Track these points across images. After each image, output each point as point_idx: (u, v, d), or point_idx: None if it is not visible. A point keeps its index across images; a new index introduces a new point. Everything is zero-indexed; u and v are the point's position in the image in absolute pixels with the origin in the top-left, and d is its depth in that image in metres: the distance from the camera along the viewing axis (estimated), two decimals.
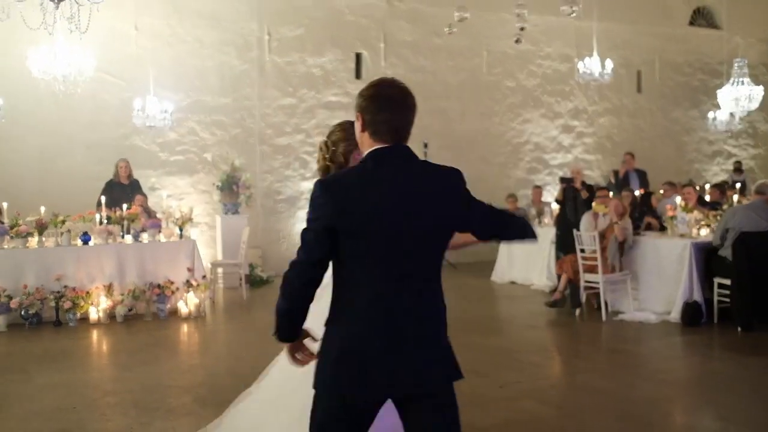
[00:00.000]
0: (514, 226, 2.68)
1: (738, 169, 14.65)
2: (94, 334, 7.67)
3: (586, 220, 8.53)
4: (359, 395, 2.38)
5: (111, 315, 8.18)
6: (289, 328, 2.51)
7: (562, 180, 9.81)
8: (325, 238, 2.37)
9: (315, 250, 2.40)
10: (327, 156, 3.21)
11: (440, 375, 2.42)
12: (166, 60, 10.98)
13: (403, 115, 2.46)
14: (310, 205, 2.42)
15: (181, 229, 8.94)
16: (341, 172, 2.49)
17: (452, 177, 2.49)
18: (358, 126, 2.51)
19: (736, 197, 9.30)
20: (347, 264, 2.40)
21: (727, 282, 7.55)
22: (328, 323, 2.47)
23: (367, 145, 2.48)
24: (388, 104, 2.44)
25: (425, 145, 11.21)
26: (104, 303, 8.14)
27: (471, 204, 2.53)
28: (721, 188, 10.54)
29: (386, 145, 2.44)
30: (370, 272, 2.38)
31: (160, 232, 8.89)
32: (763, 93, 11.44)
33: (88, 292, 8.11)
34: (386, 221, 2.35)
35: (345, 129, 3.18)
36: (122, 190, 9.73)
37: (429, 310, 2.44)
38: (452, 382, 2.45)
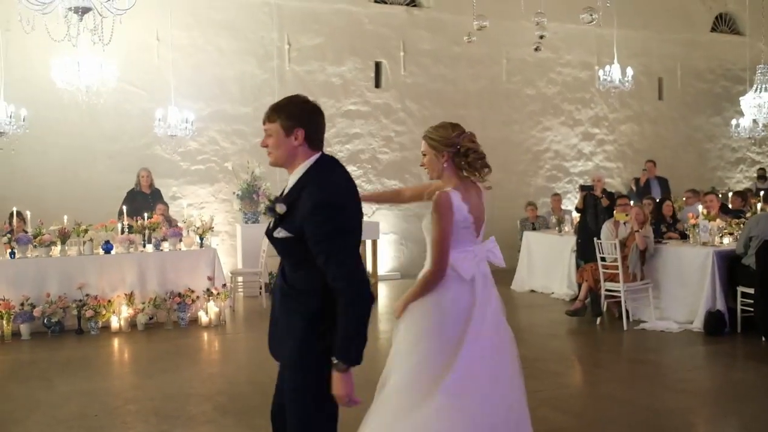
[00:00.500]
0: None
1: (762, 176, 14.49)
2: (116, 343, 7.73)
3: (606, 228, 8.48)
4: None
5: (132, 323, 8.24)
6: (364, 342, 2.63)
7: (582, 188, 9.75)
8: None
9: (358, 255, 2.66)
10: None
11: None
12: (187, 70, 11.08)
13: (325, 126, 2.80)
14: (344, 215, 2.60)
15: (201, 238, 9.00)
16: (334, 180, 2.69)
17: None
18: (294, 140, 2.70)
19: (759, 205, 9.19)
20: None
21: (751, 291, 7.44)
22: (324, 332, 2.63)
23: (302, 155, 2.72)
24: (322, 117, 2.77)
25: None
26: (125, 312, 8.21)
27: None
28: (743, 196, 10.43)
29: (321, 152, 2.76)
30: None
31: (180, 241, 8.95)
32: None
33: (109, 301, 8.18)
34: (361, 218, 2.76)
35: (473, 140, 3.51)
36: (144, 199, 9.84)
37: None
38: None
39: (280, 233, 2.66)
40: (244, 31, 11.54)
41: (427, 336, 3.28)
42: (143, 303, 8.33)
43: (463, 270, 3.33)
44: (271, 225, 2.72)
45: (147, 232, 8.88)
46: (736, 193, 11.13)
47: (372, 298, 2.61)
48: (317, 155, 2.73)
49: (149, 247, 8.81)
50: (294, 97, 2.76)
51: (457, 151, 3.44)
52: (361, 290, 2.56)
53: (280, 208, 2.66)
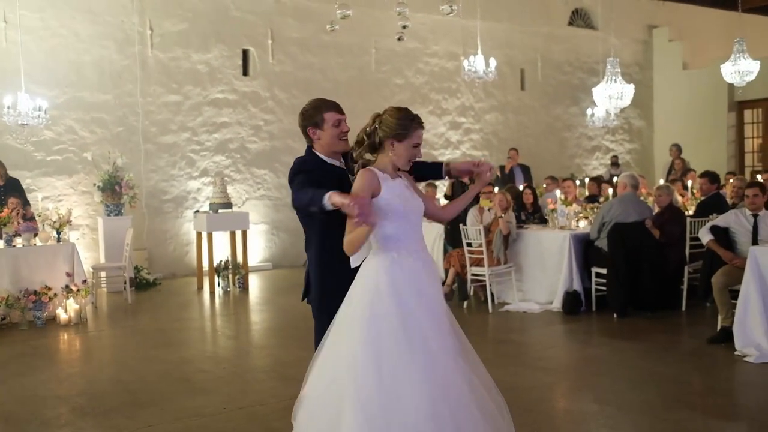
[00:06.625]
0: None
1: (615, 163, 15.39)
2: None
3: (471, 214, 8.74)
4: None
5: None
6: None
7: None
8: None
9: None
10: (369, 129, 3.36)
11: None
12: (40, 55, 10.43)
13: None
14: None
15: (58, 233, 8.53)
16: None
17: None
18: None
19: (611, 191, 9.75)
20: None
21: (604, 271, 7.91)
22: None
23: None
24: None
25: None
26: None
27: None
28: (598, 182, 11.04)
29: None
30: None
31: (35, 236, 8.45)
32: (633, 91, 12.03)
33: None
34: None
35: (398, 118, 3.35)
36: None
37: None
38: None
39: None
40: (101, 14, 10.98)
41: None
42: None
43: None
44: None
45: None
46: (593, 179, 11.77)
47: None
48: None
49: (0, 243, 8.26)
50: None
51: None
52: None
53: None
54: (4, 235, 8.29)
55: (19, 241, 8.33)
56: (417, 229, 3.32)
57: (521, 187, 10.79)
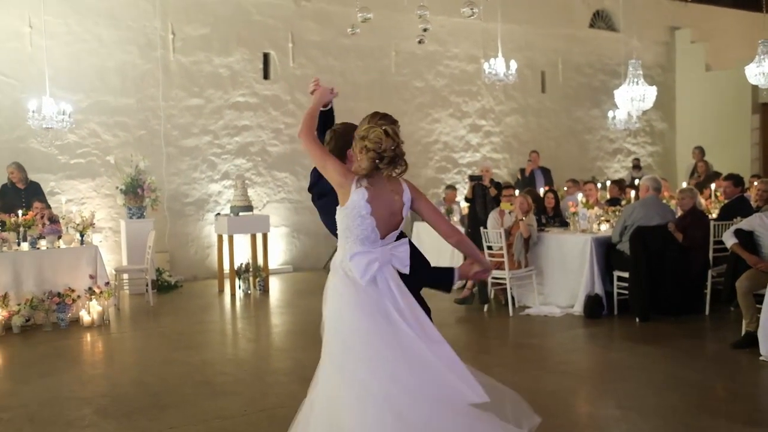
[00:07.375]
0: None
1: (636, 166, 15.26)
2: None
3: (492, 217, 8.71)
4: None
5: (7, 326, 7.79)
6: None
7: (472, 178, 9.95)
8: None
9: None
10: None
11: None
12: (64, 59, 10.56)
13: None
14: None
15: (82, 235, 8.62)
16: None
17: None
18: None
19: (633, 194, 9.67)
20: None
21: (626, 275, 7.85)
22: None
23: None
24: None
25: None
26: None
27: None
28: (619, 185, 10.96)
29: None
30: None
31: (59, 238, 8.54)
32: (656, 93, 11.93)
33: None
34: None
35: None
36: (16, 195, 9.33)
37: None
38: None
39: None
40: (124, 19, 11.09)
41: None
42: (19, 304, 7.90)
43: (358, 272, 3.25)
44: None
45: (22, 229, 8.42)
46: (614, 182, 11.69)
47: None
48: None
49: (24, 246, 8.36)
50: None
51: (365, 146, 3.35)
52: None
53: None
54: (28, 238, 8.39)
55: (43, 244, 8.42)
56: None
57: (542, 190, 10.75)
